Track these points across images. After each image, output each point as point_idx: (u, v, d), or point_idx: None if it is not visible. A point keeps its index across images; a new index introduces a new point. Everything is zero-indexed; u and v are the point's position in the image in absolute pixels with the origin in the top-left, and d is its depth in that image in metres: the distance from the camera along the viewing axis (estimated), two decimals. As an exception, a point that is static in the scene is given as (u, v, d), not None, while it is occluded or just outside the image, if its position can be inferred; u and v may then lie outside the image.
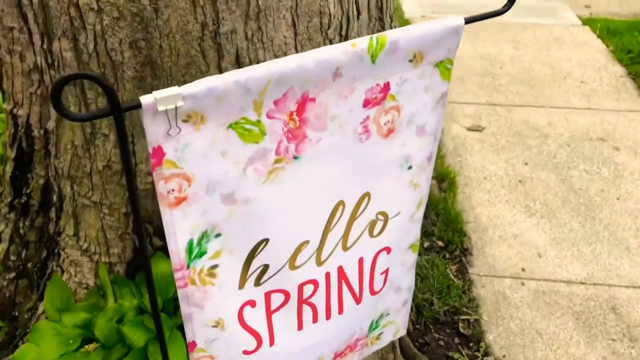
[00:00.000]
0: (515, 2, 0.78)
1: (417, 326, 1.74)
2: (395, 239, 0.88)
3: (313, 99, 0.67)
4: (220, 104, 0.62)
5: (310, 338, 0.86)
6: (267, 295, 0.79)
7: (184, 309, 0.74)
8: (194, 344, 0.79)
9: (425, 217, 2.16)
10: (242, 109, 0.64)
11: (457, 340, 1.72)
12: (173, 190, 0.65)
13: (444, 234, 2.08)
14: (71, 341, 1.28)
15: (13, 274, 1.48)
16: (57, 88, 0.56)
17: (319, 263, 0.80)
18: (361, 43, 0.68)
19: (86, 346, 1.29)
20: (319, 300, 0.84)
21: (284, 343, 0.83)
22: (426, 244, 2.04)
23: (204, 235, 0.70)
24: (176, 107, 0.59)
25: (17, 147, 1.40)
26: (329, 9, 1.23)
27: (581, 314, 1.83)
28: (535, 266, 2.01)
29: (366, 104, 0.72)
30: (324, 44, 1.26)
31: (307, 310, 0.83)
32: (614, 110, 2.94)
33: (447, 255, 2.02)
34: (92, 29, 1.13)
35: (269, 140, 0.67)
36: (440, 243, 2.06)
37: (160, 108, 0.58)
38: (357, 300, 0.89)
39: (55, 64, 1.20)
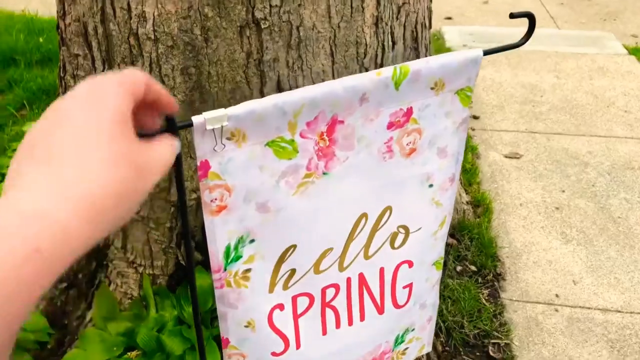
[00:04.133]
0: (532, 35, 0.84)
1: (447, 348, 1.76)
2: (417, 254, 0.94)
3: (342, 122, 0.75)
4: (259, 124, 0.71)
5: (333, 343, 0.93)
6: (294, 299, 0.87)
7: (220, 307, 0.82)
8: (227, 340, 0.87)
9: (459, 241, 2.19)
10: (278, 129, 0.72)
11: (487, 363, 1.73)
12: (216, 199, 0.74)
13: (477, 258, 2.10)
14: (115, 348, 1.38)
15: (64, 284, 1.59)
16: None
17: (341, 269, 0.88)
18: (386, 72, 0.76)
19: (129, 353, 1.38)
20: (341, 304, 0.91)
21: (309, 347, 0.90)
22: (459, 268, 2.07)
23: (240, 241, 0.78)
24: (222, 126, 0.68)
25: (76, 162, 1.54)
26: (365, 40, 1.31)
27: (616, 342, 1.81)
28: (570, 293, 2.00)
29: (390, 126, 0.80)
30: (360, 72, 1.34)
31: (330, 315, 0.90)
32: (658, 139, 2.90)
33: (480, 280, 2.03)
34: (149, 57, 1.25)
35: (301, 157, 0.75)
36: (473, 267, 2.08)
37: (209, 127, 0.67)
38: (380, 310, 0.95)
39: (115, 87, 1.32)
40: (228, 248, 0.77)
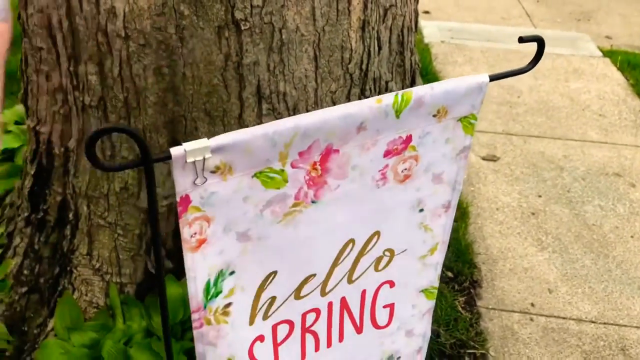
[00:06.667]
0: (540, 59, 0.79)
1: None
2: (400, 275, 0.90)
3: (337, 151, 0.70)
4: (247, 155, 0.65)
5: None
6: (274, 328, 0.82)
7: (198, 347, 0.76)
8: None
9: (436, 246, 2.16)
10: (268, 160, 0.67)
11: (463, 375, 1.70)
12: (195, 233, 0.68)
13: (454, 264, 2.07)
14: (79, 360, 1.30)
15: (25, 289, 1.50)
16: (94, 140, 0.58)
17: (323, 294, 0.84)
18: (387, 99, 0.71)
19: (93, 365, 1.30)
20: (321, 328, 0.87)
21: None
22: (436, 274, 2.04)
23: (220, 275, 0.72)
24: (204, 159, 0.61)
25: (37, 163, 1.43)
26: (351, 44, 1.25)
27: (590, 353, 1.80)
28: (545, 302, 1.99)
29: (387, 154, 0.75)
30: (344, 78, 1.28)
31: (309, 339, 0.87)
32: (632, 145, 2.92)
33: (456, 287, 2.01)
34: (118, 55, 1.16)
35: (290, 186, 0.70)
36: (449, 274, 2.05)
37: (190, 159, 0.60)
38: (358, 329, 0.92)
39: (80, 86, 1.23)
40: (208, 284, 0.72)
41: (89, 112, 1.24)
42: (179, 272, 1.37)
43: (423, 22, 4.26)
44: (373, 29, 1.28)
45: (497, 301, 1.98)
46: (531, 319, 1.92)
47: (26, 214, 1.47)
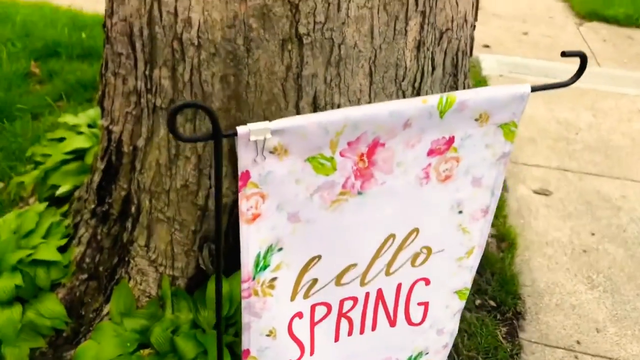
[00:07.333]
0: (582, 74, 0.82)
1: (460, 383, 1.71)
2: (436, 274, 0.95)
3: (383, 144, 0.77)
4: (302, 140, 0.73)
5: (344, 350, 0.95)
6: (313, 307, 0.89)
7: (245, 318, 0.83)
8: (247, 351, 0.88)
9: (480, 274, 2.14)
10: (320, 147, 0.74)
11: (500, 404, 1.67)
12: (251, 207, 0.76)
13: (497, 294, 2.05)
14: (129, 344, 1.38)
15: (85, 275, 1.60)
16: (174, 112, 0.69)
17: (362, 284, 0.90)
18: (432, 100, 0.77)
19: (141, 350, 1.37)
20: (356, 315, 0.93)
21: (321, 353, 0.92)
22: (478, 302, 2.02)
23: (270, 249, 0.80)
24: (265, 139, 0.70)
25: (107, 160, 1.55)
26: (405, 63, 1.30)
27: (637, 398, 1.74)
28: (592, 341, 1.93)
29: (430, 153, 0.81)
30: (397, 95, 1.33)
31: (344, 323, 0.93)
32: (695, 190, 2.81)
33: (499, 316, 1.98)
34: (190, 62, 1.26)
35: (338, 174, 0.77)
36: (492, 303, 2.03)
37: (252, 138, 0.69)
38: (392, 322, 0.97)
39: (153, 89, 1.34)
40: (258, 256, 0.80)
41: (159, 114, 1.35)
42: (227, 270, 1.44)
43: (482, 55, 4.28)
44: (428, 49, 1.34)
45: (540, 335, 1.94)
46: (576, 357, 1.87)
47: (92, 207, 1.59)
